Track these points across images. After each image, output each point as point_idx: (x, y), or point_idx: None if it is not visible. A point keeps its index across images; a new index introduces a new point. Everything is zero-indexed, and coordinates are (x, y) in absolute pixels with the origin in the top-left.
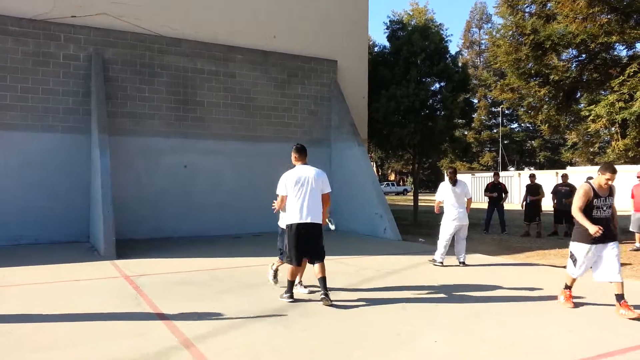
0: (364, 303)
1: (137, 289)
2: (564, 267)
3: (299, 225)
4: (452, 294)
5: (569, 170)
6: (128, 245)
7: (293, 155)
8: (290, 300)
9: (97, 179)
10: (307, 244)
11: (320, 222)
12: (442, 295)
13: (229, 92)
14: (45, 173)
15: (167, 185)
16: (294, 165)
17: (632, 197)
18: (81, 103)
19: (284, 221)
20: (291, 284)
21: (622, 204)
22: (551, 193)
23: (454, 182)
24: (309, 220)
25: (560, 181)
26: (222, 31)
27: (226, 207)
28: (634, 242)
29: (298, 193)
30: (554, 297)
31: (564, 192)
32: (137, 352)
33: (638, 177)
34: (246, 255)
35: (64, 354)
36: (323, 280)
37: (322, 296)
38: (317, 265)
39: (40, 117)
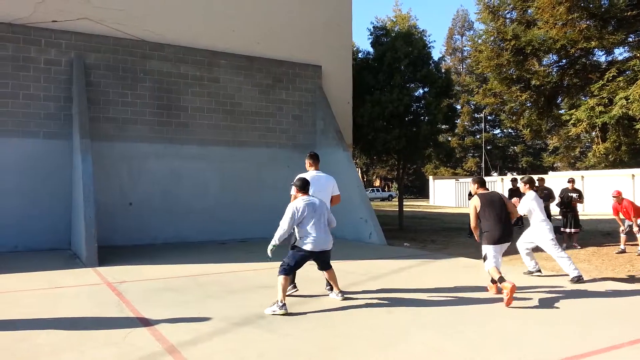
0: (349, 307)
1: (120, 295)
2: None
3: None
4: (437, 296)
5: (550, 175)
6: (111, 252)
7: (307, 162)
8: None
9: (78, 184)
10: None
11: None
12: (426, 298)
13: (213, 97)
14: (26, 179)
15: (151, 191)
16: (306, 170)
17: (616, 214)
18: (63, 108)
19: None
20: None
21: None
22: None
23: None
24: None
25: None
26: (205, 36)
27: (211, 213)
28: (619, 245)
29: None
30: (537, 298)
31: (542, 196)
32: (120, 359)
33: (614, 196)
34: (231, 262)
35: None
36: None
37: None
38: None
39: (21, 123)
